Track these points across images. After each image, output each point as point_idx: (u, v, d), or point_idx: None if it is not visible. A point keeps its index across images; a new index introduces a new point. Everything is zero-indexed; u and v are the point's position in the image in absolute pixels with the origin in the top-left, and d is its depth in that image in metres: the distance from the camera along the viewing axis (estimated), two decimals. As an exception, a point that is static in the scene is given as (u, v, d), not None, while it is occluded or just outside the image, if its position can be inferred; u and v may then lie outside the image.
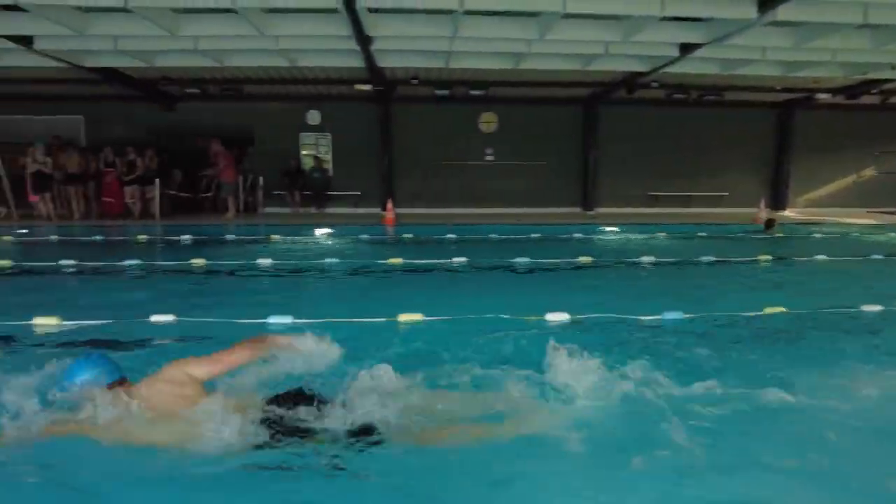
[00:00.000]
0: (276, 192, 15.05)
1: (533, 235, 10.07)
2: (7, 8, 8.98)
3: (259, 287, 6.31)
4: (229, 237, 10.28)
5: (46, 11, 8.85)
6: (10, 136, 13.91)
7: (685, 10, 8.86)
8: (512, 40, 10.25)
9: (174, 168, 14.46)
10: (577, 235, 10.40)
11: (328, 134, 15.53)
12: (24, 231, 10.80)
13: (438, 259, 7.41)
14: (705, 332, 4.29)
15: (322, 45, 10.70)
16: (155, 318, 4.36)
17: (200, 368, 2.38)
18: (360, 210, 15.20)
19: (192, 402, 2.28)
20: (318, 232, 10.83)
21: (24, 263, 7.20)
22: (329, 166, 15.55)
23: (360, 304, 5.08)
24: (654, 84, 13.50)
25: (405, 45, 10.81)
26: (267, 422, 2.28)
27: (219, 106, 14.76)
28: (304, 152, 15.53)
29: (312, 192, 15.17)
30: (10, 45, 10.31)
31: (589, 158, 15.56)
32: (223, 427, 2.18)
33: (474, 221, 12.19)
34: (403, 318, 4.47)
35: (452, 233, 10.26)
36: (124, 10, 8.61)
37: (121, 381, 2.39)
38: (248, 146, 15.07)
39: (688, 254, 8.08)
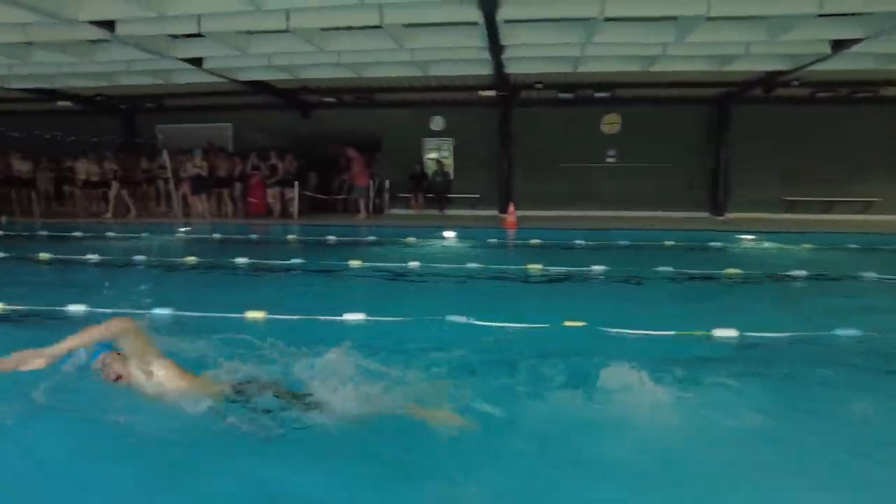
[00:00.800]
0: (400, 195, 15.78)
1: (666, 242, 9.84)
2: (188, 36, 10.24)
3: (410, 288, 6.75)
4: (371, 238, 10.94)
5: (220, 36, 9.94)
6: (175, 143, 15.68)
7: (845, 6, 8.32)
8: (647, 44, 10.11)
9: (310, 171, 15.62)
10: (714, 243, 10.05)
11: (450, 138, 16.04)
12: (188, 228, 12.17)
13: (576, 266, 7.50)
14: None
15: (455, 56, 11.13)
16: (347, 315, 4.86)
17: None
18: (479, 212, 15.56)
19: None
20: (449, 234, 11.28)
21: (207, 259, 8.16)
22: (450, 170, 16.05)
23: (520, 308, 5.31)
24: (795, 82, 12.71)
25: (535, 53, 10.99)
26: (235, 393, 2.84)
27: (350, 113, 15.73)
28: (427, 156, 16.15)
29: (435, 194, 15.75)
30: (184, 65, 11.66)
31: (719, 160, 14.90)
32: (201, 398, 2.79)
33: (596, 225, 12.13)
34: (569, 323, 4.64)
35: (580, 238, 10.29)
36: (285, 30, 9.45)
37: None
38: (376, 151, 15.92)
39: (844, 268, 7.59)
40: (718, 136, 14.90)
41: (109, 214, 14.18)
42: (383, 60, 11.53)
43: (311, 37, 9.93)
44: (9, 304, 5.21)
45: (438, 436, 2.69)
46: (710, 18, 8.76)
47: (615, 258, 8.14)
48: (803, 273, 7.20)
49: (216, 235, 11.15)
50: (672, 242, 9.89)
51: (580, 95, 14.01)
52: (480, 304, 5.79)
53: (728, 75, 12.39)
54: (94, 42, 10.64)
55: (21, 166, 15.32)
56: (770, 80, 12.65)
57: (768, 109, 14.37)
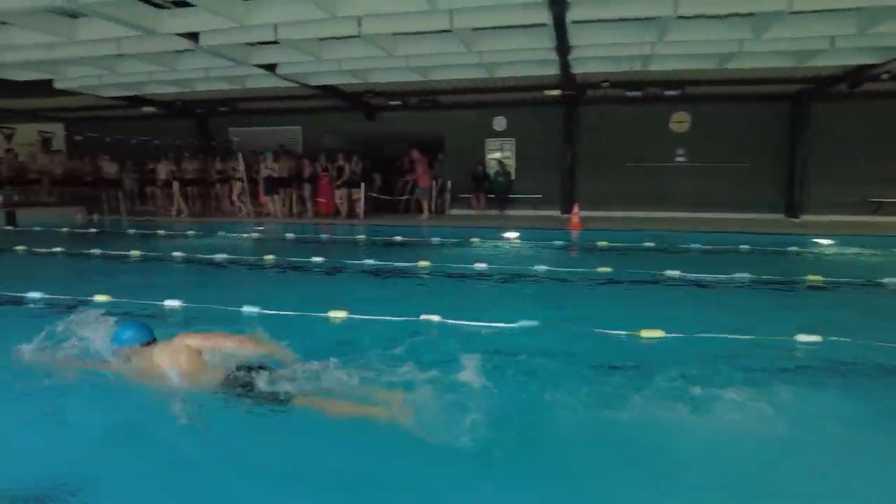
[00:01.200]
0: (462, 195, 15.90)
1: (741, 246, 9.51)
2: (263, 43, 10.71)
3: (480, 289, 6.83)
4: (437, 238, 11.10)
5: (294, 43, 10.33)
6: (248, 145, 16.37)
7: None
8: (723, 41, 9.79)
9: (374, 172, 15.96)
10: (792, 248, 9.63)
11: (511, 138, 16.02)
12: (261, 228, 12.71)
13: (648, 269, 7.36)
14: None
15: (522, 57, 11.12)
16: (425, 316, 4.99)
17: (195, 340, 3.25)
18: (540, 212, 15.48)
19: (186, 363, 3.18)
20: (511, 235, 11.30)
21: (287, 259, 8.50)
22: (512, 170, 16.04)
23: (593, 313, 5.30)
24: (885, 75, 11.98)
25: (603, 52, 10.85)
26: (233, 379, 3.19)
27: (414, 115, 15.98)
28: (489, 157, 16.19)
29: (495, 194, 15.78)
30: (259, 71, 12.17)
31: (796, 160, 14.22)
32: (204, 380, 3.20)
33: (665, 227, 11.85)
34: (645, 333, 4.61)
35: (649, 239, 10.09)
36: (356, 36, 9.72)
37: (150, 342, 3.34)
38: (439, 152, 16.09)
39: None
40: (795, 134, 14.23)
41: (176, 213, 15.08)
42: (451, 63, 11.67)
43: (381, 42, 10.16)
44: (114, 297, 5.65)
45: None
46: (792, 13, 8.40)
47: (688, 262, 7.94)
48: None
49: (289, 235, 11.58)
50: (747, 247, 9.52)
51: (648, 94, 13.70)
52: (551, 308, 5.83)
53: (809, 70, 11.83)
54: (178, 52, 11.27)
55: (109, 168, 16.44)
56: (857, 75, 11.97)
57: (851, 106, 13.59)
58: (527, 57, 11.07)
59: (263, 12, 8.74)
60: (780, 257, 9.14)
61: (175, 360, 3.22)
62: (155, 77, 12.93)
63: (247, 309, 5.26)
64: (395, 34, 10.16)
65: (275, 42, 10.21)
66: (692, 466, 2.66)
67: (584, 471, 2.65)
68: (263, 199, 15.15)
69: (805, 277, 7.04)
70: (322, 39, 10.74)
